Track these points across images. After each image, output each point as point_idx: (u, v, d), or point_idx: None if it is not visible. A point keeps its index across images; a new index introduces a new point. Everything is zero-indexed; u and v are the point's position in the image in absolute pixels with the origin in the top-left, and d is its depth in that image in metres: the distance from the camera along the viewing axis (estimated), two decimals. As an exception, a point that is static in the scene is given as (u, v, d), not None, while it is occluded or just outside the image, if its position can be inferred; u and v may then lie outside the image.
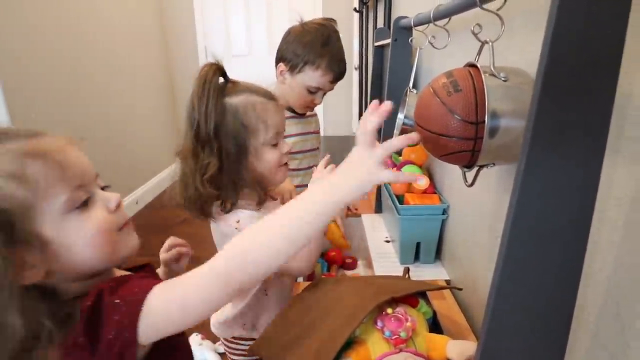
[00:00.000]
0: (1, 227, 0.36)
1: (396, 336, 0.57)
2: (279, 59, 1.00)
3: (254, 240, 0.42)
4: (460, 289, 0.77)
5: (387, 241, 1.09)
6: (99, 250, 0.42)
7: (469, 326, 0.73)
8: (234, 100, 0.64)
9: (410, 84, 0.90)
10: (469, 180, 0.59)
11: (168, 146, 3.22)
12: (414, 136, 0.42)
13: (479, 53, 0.52)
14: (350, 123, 3.25)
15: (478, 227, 0.77)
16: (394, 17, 1.52)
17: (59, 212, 0.40)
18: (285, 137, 0.95)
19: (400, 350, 0.56)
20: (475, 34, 0.51)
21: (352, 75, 3.02)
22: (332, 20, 1.02)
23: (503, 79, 0.48)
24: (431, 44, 0.72)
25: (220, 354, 1.42)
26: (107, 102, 2.40)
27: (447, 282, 0.92)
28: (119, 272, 0.50)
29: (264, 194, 0.69)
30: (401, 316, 0.60)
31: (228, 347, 0.82)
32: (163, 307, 0.40)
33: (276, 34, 3.28)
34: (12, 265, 0.36)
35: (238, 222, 0.65)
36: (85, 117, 2.19)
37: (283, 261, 0.41)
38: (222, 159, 0.63)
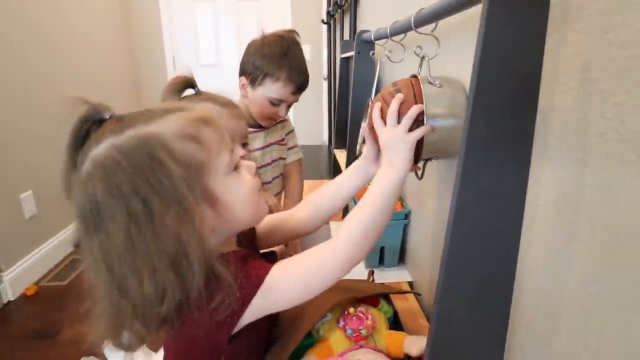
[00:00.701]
0: (182, 187, 0.40)
1: (357, 334, 0.61)
2: (241, 73, 1.01)
3: (365, 220, 0.48)
4: (419, 294, 0.82)
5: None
6: (250, 207, 0.47)
7: (429, 325, 0.78)
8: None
9: (372, 95, 0.95)
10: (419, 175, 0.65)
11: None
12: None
13: (420, 66, 0.59)
14: (321, 132, 3.30)
15: (436, 231, 0.82)
16: (358, 29, 1.59)
17: (223, 172, 0.45)
18: (250, 151, 0.98)
19: (361, 347, 0.59)
20: (416, 53, 0.59)
21: (322, 85, 3.09)
22: (293, 31, 1.04)
23: (438, 85, 0.56)
24: (388, 57, 0.77)
25: None
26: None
27: (410, 283, 0.96)
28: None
29: None
30: (362, 315, 0.64)
31: None
32: (287, 284, 0.45)
33: (245, 45, 3.28)
34: (198, 219, 0.40)
35: None
36: (44, 130, 2.14)
37: (383, 228, 0.50)
38: None
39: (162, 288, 0.40)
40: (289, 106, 1.03)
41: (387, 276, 0.99)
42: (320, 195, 0.65)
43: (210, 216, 0.44)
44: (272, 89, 0.97)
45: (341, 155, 1.62)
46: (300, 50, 1.02)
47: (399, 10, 1.05)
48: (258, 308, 0.44)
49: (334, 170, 1.50)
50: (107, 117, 0.44)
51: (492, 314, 0.48)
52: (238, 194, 0.46)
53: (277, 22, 3.11)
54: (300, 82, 0.99)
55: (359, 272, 0.99)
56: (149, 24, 3.14)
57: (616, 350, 0.35)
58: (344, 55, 1.45)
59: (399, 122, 0.54)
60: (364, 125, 0.98)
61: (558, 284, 0.43)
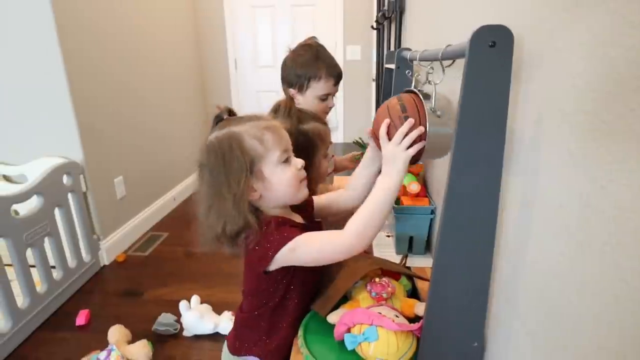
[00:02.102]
0: (247, 165, 0.67)
1: (379, 296, 0.81)
2: (288, 86, 1.21)
3: (365, 218, 0.67)
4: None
5: (388, 236, 1.32)
6: (290, 189, 0.72)
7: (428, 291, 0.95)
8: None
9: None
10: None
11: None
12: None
13: (422, 84, 0.76)
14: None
15: None
16: (403, 41, 1.74)
17: (274, 162, 0.70)
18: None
19: (381, 304, 0.79)
20: (429, 81, 0.74)
21: (371, 86, 3.24)
22: (314, 38, 1.24)
23: (438, 115, 0.69)
24: (418, 80, 0.95)
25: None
26: (150, 110, 2.71)
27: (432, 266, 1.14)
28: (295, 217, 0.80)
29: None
30: (385, 283, 0.84)
31: None
32: (304, 250, 0.68)
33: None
34: (248, 186, 0.68)
35: None
36: (133, 123, 2.51)
37: (381, 225, 0.68)
38: None
39: (223, 220, 0.68)
40: (333, 96, 1.24)
41: (415, 262, 1.17)
42: (353, 182, 0.87)
43: (260, 188, 0.70)
44: (318, 87, 1.17)
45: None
46: (326, 49, 1.21)
47: (436, 30, 1.20)
48: (284, 257, 0.68)
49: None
50: (224, 117, 0.75)
51: (474, 282, 0.66)
52: (282, 178, 0.71)
53: (329, 25, 3.30)
54: (337, 73, 1.19)
55: (391, 259, 1.19)
56: (214, 29, 3.46)
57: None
58: (388, 66, 1.61)
59: None
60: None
61: (519, 262, 0.60)
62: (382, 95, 1.66)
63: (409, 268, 0.99)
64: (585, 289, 0.42)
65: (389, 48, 2.03)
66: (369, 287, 0.83)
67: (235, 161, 0.67)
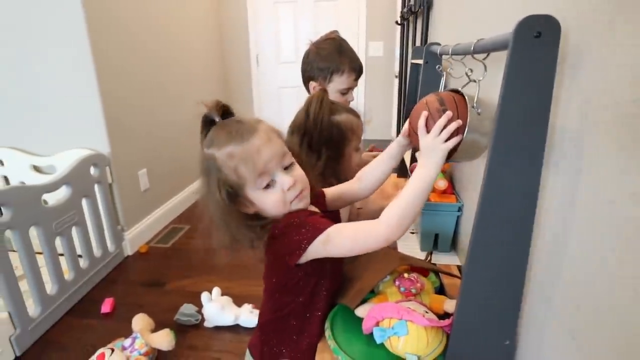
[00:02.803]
0: (232, 192, 0.67)
1: (408, 291, 0.80)
2: (308, 79, 1.20)
3: (401, 208, 0.64)
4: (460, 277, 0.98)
5: (412, 232, 1.31)
6: (278, 210, 0.69)
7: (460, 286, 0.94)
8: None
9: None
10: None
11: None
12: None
13: (466, 85, 0.74)
14: (390, 127, 3.44)
15: None
16: (430, 37, 1.71)
17: (254, 189, 0.68)
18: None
19: (409, 300, 0.79)
20: (467, 75, 0.73)
21: (394, 82, 3.21)
22: (335, 31, 1.24)
23: (478, 112, 0.69)
24: (450, 73, 0.93)
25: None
26: (174, 105, 2.75)
27: (459, 267, 1.12)
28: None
29: None
30: (413, 278, 0.83)
31: None
32: (337, 241, 0.65)
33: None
34: (238, 205, 0.69)
35: None
36: (157, 118, 2.56)
37: (416, 216, 0.67)
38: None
39: (229, 231, 0.69)
40: (353, 90, 1.24)
41: (440, 259, 1.16)
42: (365, 173, 0.85)
43: (253, 206, 0.70)
44: (340, 81, 1.17)
45: (406, 153, 1.78)
46: (347, 43, 1.21)
47: (466, 24, 1.18)
48: (317, 249, 0.65)
49: (400, 164, 1.67)
50: (216, 119, 0.70)
51: (509, 280, 0.64)
52: (266, 202, 0.69)
53: (352, 21, 3.28)
54: (359, 68, 1.19)
55: (418, 255, 1.17)
56: (237, 25, 3.48)
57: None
58: (414, 61, 1.59)
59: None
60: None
61: (558, 261, 0.59)
62: (408, 91, 1.64)
63: (434, 265, 0.97)
64: (637, 283, 0.41)
65: (414, 44, 2.00)
66: (397, 282, 0.82)
67: (218, 187, 0.66)
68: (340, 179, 0.91)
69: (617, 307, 0.44)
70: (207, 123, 0.70)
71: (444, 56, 1.12)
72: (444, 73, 1.10)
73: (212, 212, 0.69)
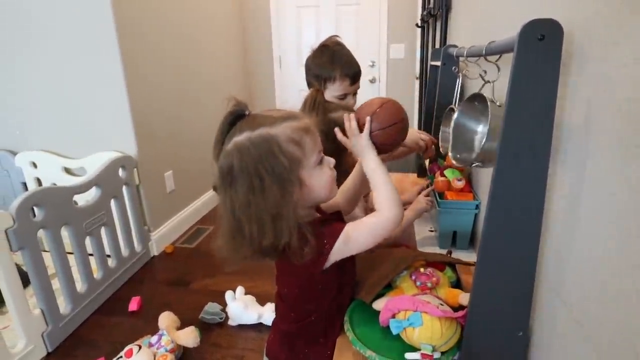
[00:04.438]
0: (292, 172, 0.64)
1: (424, 285, 0.82)
2: (308, 86, 1.24)
3: (382, 195, 0.71)
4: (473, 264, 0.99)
5: (431, 231, 1.32)
6: (326, 191, 0.70)
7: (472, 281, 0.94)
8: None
9: (455, 103, 1.13)
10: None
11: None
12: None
13: (482, 87, 0.77)
14: (412, 127, 3.44)
15: None
16: (448, 39, 1.72)
17: (311, 166, 0.67)
18: None
19: (425, 293, 0.80)
20: (481, 76, 0.76)
21: (414, 84, 3.21)
22: (335, 36, 1.25)
23: (498, 104, 0.72)
24: (466, 75, 0.95)
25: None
26: (199, 109, 2.83)
27: (477, 256, 1.12)
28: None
29: None
30: (429, 273, 0.85)
31: None
32: (356, 238, 0.68)
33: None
34: (294, 194, 0.64)
35: None
36: (183, 121, 2.64)
37: (394, 193, 0.71)
38: None
39: (263, 232, 0.63)
40: (354, 95, 1.24)
41: (459, 256, 1.16)
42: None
43: (298, 192, 0.65)
44: (334, 88, 1.19)
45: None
46: (344, 48, 1.22)
47: (482, 26, 1.19)
48: (340, 250, 0.68)
49: (419, 166, 1.68)
50: (247, 113, 0.68)
51: (520, 273, 0.65)
52: (318, 179, 0.68)
53: (373, 24, 3.30)
54: (353, 73, 1.19)
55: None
56: (260, 28, 3.54)
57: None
58: (433, 63, 1.60)
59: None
60: (443, 129, 1.16)
61: (566, 254, 0.60)
62: (427, 92, 1.65)
63: (450, 256, 0.99)
64: (636, 273, 0.42)
65: (434, 46, 2.01)
66: (413, 277, 0.84)
67: (280, 167, 0.62)
68: (340, 179, 0.94)
69: (619, 297, 0.45)
70: (237, 117, 0.67)
71: (460, 58, 1.14)
72: (460, 74, 1.12)
73: (248, 213, 0.64)
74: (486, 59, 0.78)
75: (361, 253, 0.73)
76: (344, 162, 0.97)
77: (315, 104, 0.91)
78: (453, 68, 1.14)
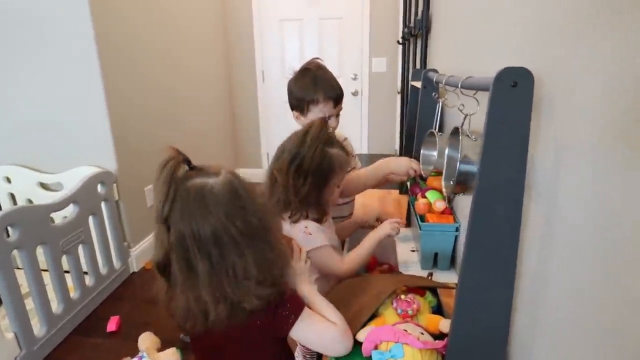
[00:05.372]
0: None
1: (405, 312, 0.83)
2: (291, 108, 1.25)
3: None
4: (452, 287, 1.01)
5: (413, 251, 1.33)
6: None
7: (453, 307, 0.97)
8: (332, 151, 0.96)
9: (435, 128, 1.15)
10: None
11: (227, 156, 3.64)
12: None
13: (464, 120, 0.79)
14: (394, 141, 3.47)
15: None
16: (429, 56, 1.76)
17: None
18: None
19: (407, 321, 0.81)
20: (460, 109, 0.79)
21: (396, 98, 3.26)
22: (316, 59, 1.27)
23: (474, 139, 0.75)
24: (445, 104, 0.97)
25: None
26: (179, 123, 2.81)
27: (457, 284, 1.14)
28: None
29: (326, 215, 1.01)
30: (410, 300, 0.85)
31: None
32: (307, 325, 0.71)
33: (326, 60, 3.55)
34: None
35: (306, 227, 0.96)
36: (163, 135, 2.61)
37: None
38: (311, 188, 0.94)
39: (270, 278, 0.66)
40: (337, 116, 1.25)
41: (440, 278, 1.17)
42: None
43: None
44: (317, 110, 1.20)
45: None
46: (326, 71, 1.24)
47: (460, 51, 1.22)
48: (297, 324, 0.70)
49: (402, 183, 1.70)
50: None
51: (498, 302, 0.67)
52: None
53: (356, 37, 3.34)
54: (336, 95, 1.21)
55: (416, 274, 1.20)
56: (243, 42, 3.54)
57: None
58: (413, 83, 1.63)
59: None
60: (423, 152, 1.18)
61: (542, 283, 0.62)
62: (408, 111, 1.68)
63: (430, 279, 1.00)
64: (605, 302, 0.45)
65: (414, 64, 2.05)
66: (395, 304, 0.85)
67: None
68: (319, 208, 0.96)
69: (595, 327, 0.47)
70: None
71: (439, 83, 1.16)
72: (440, 101, 1.14)
73: (246, 253, 0.64)
74: (462, 93, 0.81)
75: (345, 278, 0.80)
76: (322, 199, 0.98)
77: (320, 132, 0.93)
78: (433, 94, 1.17)
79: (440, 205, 1.17)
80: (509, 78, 0.57)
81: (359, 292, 0.90)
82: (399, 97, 2.89)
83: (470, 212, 0.64)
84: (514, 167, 0.61)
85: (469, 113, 0.79)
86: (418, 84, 1.58)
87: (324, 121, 0.97)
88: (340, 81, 1.28)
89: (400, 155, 2.67)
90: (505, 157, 0.61)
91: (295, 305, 0.70)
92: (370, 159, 2.82)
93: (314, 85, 1.20)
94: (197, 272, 0.62)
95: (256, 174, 3.58)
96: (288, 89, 1.27)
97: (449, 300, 1.02)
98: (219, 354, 0.77)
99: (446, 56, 1.45)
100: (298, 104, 1.23)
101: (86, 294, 1.90)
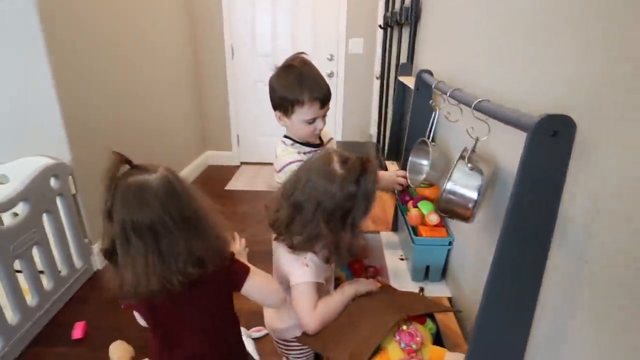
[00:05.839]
0: None
1: (409, 347, 0.79)
2: (274, 107, 1.13)
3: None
4: (460, 311, 0.98)
5: (402, 259, 1.29)
6: None
7: (462, 335, 0.95)
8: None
9: (429, 137, 1.09)
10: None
11: (194, 139, 3.43)
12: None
13: (475, 144, 0.75)
14: (368, 127, 3.40)
15: (471, 255, 0.99)
16: (417, 50, 1.67)
17: None
18: None
19: (412, 358, 0.77)
20: (468, 133, 0.75)
21: (374, 83, 3.16)
22: (301, 53, 1.13)
23: (469, 167, 0.73)
24: (447, 117, 0.91)
25: (254, 339, 1.67)
26: (142, 103, 2.60)
27: (449, 299, 1.12)
28: None
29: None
30: (413, 332, 0.81)
31: (285, 346, 1.04)
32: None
33: (300, 38, 3.41)
34: None
35: (305, 258, 0.89)
36: (124, 118, 2.40)
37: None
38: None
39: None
40: (323, 118, 1.13)
41: (431, 290, 1.15)
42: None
43: None
44: (303, 112, 1.08)
45: (391, 167, 1.76)
46: (312, 67, 1.11)
47: (457, 48, 1.15)
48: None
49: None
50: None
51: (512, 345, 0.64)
52: None
53: (332, 16, 3.18)
54: (323, 96, 1.09)
55: (407, 285, 1.17)
56: (211, 15, 3.27)
57: None
58: (401, 78, 1.55)
59: None
60: (412, 159, 1.13)
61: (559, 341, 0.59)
62: (393, 109, 1.60)
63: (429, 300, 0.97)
64: None
65: (398, 55, 1.95)
66: (397, 337, 0.81)
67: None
68: (339, 252, 0.88)
69: None
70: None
71: (436, 89, 1.09)
72: (437, 110, 1.08)
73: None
74: (473, 115, 0.74)
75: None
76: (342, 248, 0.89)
77: (365, 169, 0.85)
78: (430, 102, 1.10)
79: (434, 218, 1.12)
80: (549, 127, 0.52)
81: (357, 317, 0.87)
82: (377, 82, 2.80)
83: (494, 259, 0.60)
84: (544, 217, 0.58)
85: (479, 138, 0.74)
86: (407, 80, 1.51)
87: (372, 160, 0.86)
88: (316, 62, 1.14)
89: (378, 143, 2.63)
90: (535, 206, 0.57)
91: (243, 266, 0.87)
92: (345, 147, 2.75)
93: (299, 84, 1.07)
94: (136, 253, 0.72)
95: (226, 157, 3.36)
96: (270, 87, 1.14)
97: (443, 318, 1.00)
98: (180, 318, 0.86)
99: (438, 52, 1.37)
100: (281, 104, 1.11)
101: (45, 299, 1.74)
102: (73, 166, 1.93)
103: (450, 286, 1.16)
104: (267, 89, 1.15)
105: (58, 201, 1.85)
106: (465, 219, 0.78)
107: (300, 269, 0.88)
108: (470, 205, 0.76)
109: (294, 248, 0.87)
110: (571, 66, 0.59)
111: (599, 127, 0.52)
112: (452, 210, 0.78)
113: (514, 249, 0.59)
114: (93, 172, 2.08)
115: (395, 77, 1.78)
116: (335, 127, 3.49)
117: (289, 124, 1.14)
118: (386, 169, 1.68)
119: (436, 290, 1.15)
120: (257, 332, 1.70)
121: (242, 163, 3.73)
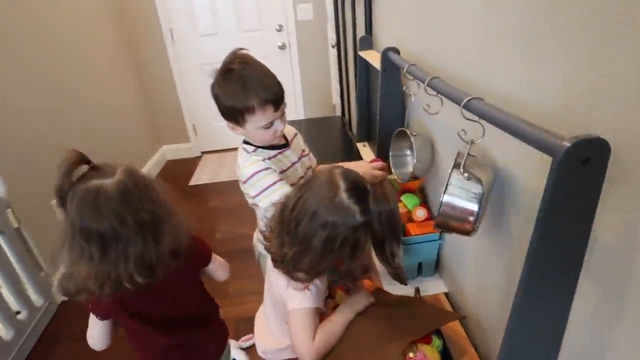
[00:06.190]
0: None
1: (419, 378, 0.71)
2: (224, 119, 0.99)
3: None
4: (464, 317, 0.92)
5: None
6: None
7: (467, 337, 0.90)
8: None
9: (405, 125, 0.97)
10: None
11: (148, 135, 3.17)
12: None
13: (469, 148, 0.66)
14: (330, 98, 3.24)
15: (464, 246, 0.93)
16: (375, 16, 1.51)
17: None
18: (283, 171, 1.01)
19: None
20: (460, 136, 0.66)
21: (329, 52, 2.97)
22: (238, 51, 0.96)
23: (466, 177, 0.65)
24: (426, 110, 0.79)
25: (243, 349, 1.59)
26: (79, 108, 2.33)
27: (446, 294, 1.06)
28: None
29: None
30: (421, 358, 0.74)
31: None
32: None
33: (243, 11, 3.12)
34: None
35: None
36: (61, 127, 2.15)
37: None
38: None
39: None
40: (281, 118, 0.99)
41: (426, 286, 1.09)
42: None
43: None
44: (256, 119, 0.94)
45: (363, 149, 1.65)
46: (254, 66, 0.96)
47: (420, 15, 1.01)
48: None
49: (350, 151, 1.54)
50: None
51: None
52: None
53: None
54: (274, 97, 0.93)
55: (405, 288, 1.08)
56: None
57: None
58: (362, 54, 1.40)
59: None
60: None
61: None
62: (358, 88, 1.46)
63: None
64: None
65: (354, 23, 1.77)
66: (405, 369, 0.72)
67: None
68: (346, 277, 0.83)
69: None
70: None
71: (407, 77, 0.95)
72: (412, 97, 0.96)
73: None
74: (463, 115, 0.63)
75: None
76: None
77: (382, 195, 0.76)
78: (404, 88, 0.97)
79: (421, 214, 1.03)
80: (579, 154, 0.42)
81: (354, 334, 0.83)
82: (333, 51, 2.61)
83: (520, 283, 0.52)
84: (573, 245, 0.50)
85: (473, 141, 0.64)
86: (369, 57, 1.36)
87: (389, 187, 0.77)
88: (265, 34, 0.99)
89: (343, 117, 2.48)
90: (565, 234, 0.49)
91: (205, 244, 0.93)
92: (307, 124, 2.60)
93: (243, 90, 0.91)
94: (80, 256, 0.71)
95: (185, 149, 3.12)
96: (213, 96, 0.96)
97: (452, 335, 0.92)
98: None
99: (399, 23, 1.22)
100: (230, 114, 0.95)
101: (7, 351, 1.57)
102: (8, 198, 1.69)
103: (446, 280, 1.09)
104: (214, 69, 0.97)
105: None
106: (467, 233, 0.69)
107: (300, 292, 0.80)
108: (472, 219, 0.66)
109: (299, 281, 0.78)
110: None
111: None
112: (450, 225, 0.68)
113: (541, 278, 0.52)
114: (34, 198, 1.86)
115: (355, 50, 1.62)
116: (295, 104, 3.31)
117: (245, 133, 0.99)
118: (359, 156, 1.57)
119: (432, 287, 1.09)
120: (247, 341, 1.62)
121: (203, 153, 3.51)
